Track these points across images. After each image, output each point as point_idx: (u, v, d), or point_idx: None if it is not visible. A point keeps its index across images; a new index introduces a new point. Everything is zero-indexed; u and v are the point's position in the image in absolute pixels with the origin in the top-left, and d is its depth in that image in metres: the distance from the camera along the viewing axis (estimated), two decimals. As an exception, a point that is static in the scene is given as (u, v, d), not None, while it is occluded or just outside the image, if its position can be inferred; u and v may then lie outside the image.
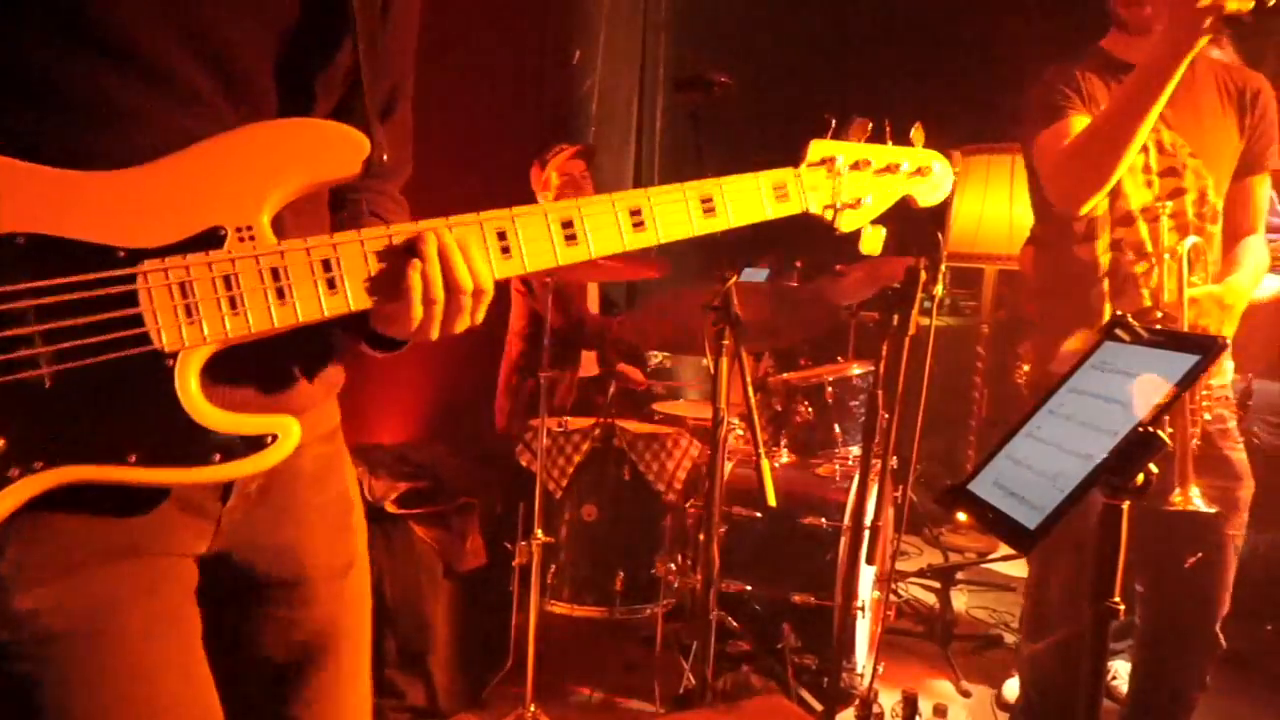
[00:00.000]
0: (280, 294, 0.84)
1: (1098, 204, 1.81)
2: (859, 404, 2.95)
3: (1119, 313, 1.24)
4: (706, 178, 1.03)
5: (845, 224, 1.08)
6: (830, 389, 2.91)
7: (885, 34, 4.72)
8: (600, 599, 2.51)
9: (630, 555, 2.53)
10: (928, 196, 1.14)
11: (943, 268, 1.63)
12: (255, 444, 0.83)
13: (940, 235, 1.60)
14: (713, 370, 1.92)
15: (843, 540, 2.47)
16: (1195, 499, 1.73)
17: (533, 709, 2.24)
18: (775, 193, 1.05)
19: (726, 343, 1.90)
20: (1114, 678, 2.67)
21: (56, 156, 0.77)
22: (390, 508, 2.31)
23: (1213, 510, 1.74)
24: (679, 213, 0.99)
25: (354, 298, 0.86)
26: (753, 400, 1.92)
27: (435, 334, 0.89)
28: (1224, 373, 1.93)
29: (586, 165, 3.22)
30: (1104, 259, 1.89)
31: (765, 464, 1.87)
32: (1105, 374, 1.19)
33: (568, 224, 0.93)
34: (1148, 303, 1.85)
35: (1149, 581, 2.02)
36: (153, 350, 0.80)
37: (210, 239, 0.82)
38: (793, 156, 1.07)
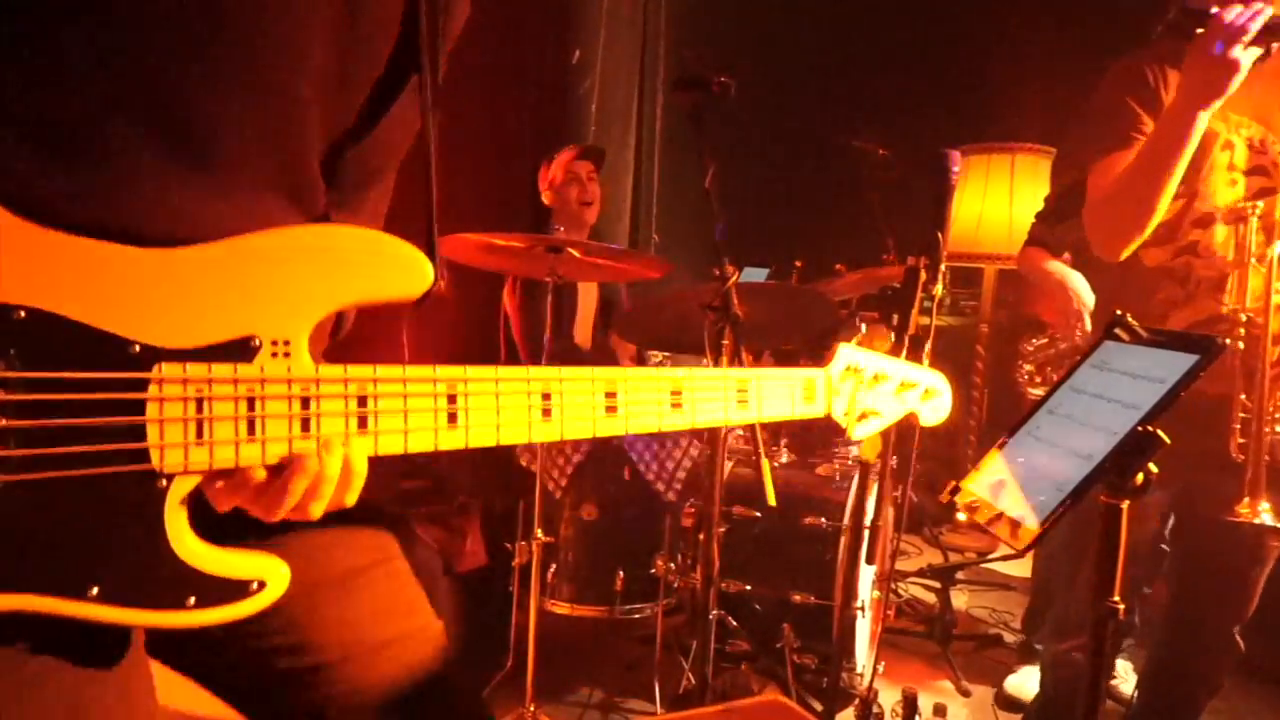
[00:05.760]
0: (305, 426, 0.75)
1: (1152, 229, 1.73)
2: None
3: (1119, 313, 1.23)
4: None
5: (856, 432, 1.16)
6: (830, 389, 2.91)
7: (886, 34, 4.72)
8: (600, 599, 2.51)
9: (630, 555, 2.53)
10: (931, 417, 1.23)
11: (943, 268, 1.62)
12: (237, 590, 0.73)
13: (940, 235, 1.60)
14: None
15: (843, 540, 2.47)
16: (1264, 513, 1.68)
17: (532, 709, 2.24)
18: (804, 392, 1.08)
19: (726, 343, 1.90)
20: (1113, 677, 2.67)
21: (82, 224, 0.67)
22: (390, 507, 2.31)
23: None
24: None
25: (383, 441, 0.78)
26: (753, 400, 1.92)
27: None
28: None
29: (595, 166, 3.22)
30: (1175, 263, 1.81)
31: (765, 464, 1.86)
32: (1105, 374, 1.19)
33: (610, 395, 0.90)
34: (1228, 307, 1.76)
35: (1179, 583, 1.99)
36: (147, 470, 0.69)
37: (241, 349, 0.72)
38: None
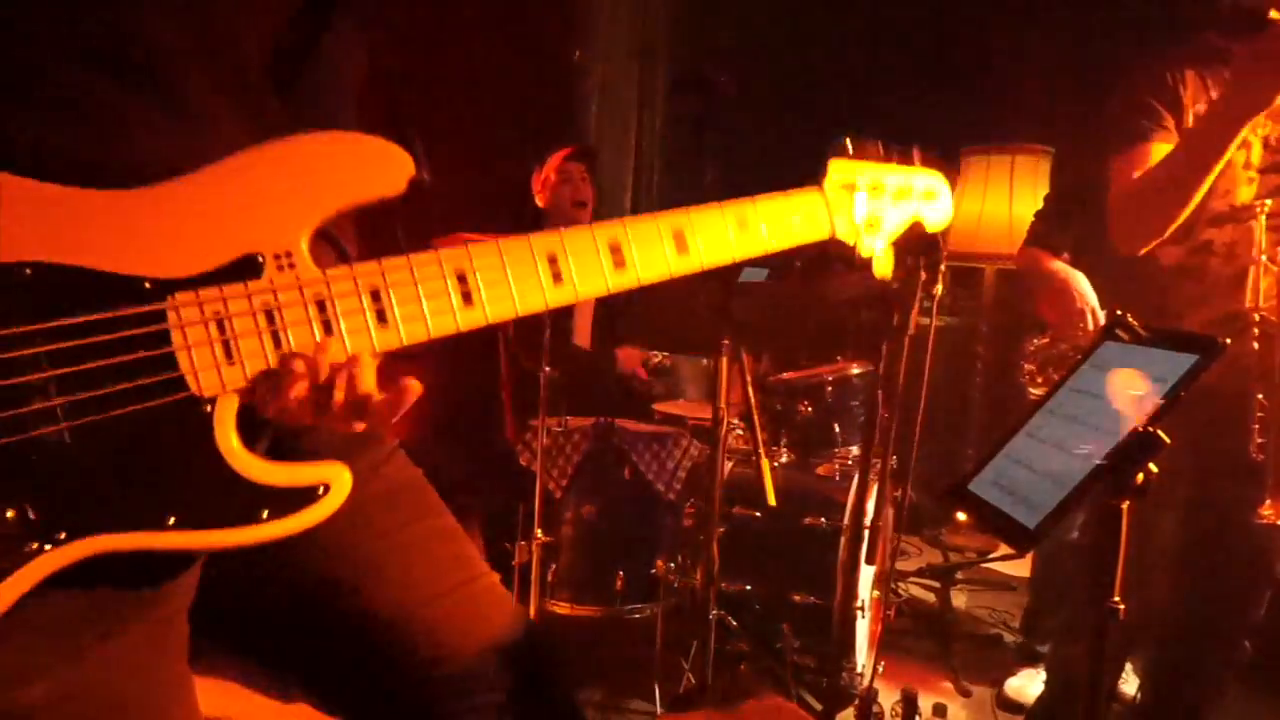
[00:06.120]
0: (326, 327, 0.76)
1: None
2: (859, 404, 2.95)
3: (1119, 312, 1.23)
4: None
5: (866, 249, 1.11)
6: (830, 389, 2.91)
7: (886, 34, 4.72)
8: (600, 599, 2.51)
9: (630, 555, 2.53)
10: (936, 219, 1.18)
11: (942, 267, 1.62)
12: (305, 497, 0.74)
13: (940, 235, 1.60)
14: (713, 370, 1.93)
15: (843, 540, 2.47)
16: None
17: (533, 709, 2.24)
18: (804, 214, 1.05)
19: (726, 343, 1.90)
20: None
21: (62, 172, 0.68)
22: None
23: None
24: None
25: (406, 331, 0.79)
26: (753, 400, 1.92)
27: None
28: None
29: (586, 167, 3.22)
30: (1191, 261, 1.80)
31: (765, 464, 1.87)
32: (1105, 374, 1.18)
33: (615, 249, 0.89)
34: (1246, 306, 1.74)
35: (1188, 583, 1.95)
36: (188, 396, 0.71)
37: (246, 267, 0.74)
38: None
